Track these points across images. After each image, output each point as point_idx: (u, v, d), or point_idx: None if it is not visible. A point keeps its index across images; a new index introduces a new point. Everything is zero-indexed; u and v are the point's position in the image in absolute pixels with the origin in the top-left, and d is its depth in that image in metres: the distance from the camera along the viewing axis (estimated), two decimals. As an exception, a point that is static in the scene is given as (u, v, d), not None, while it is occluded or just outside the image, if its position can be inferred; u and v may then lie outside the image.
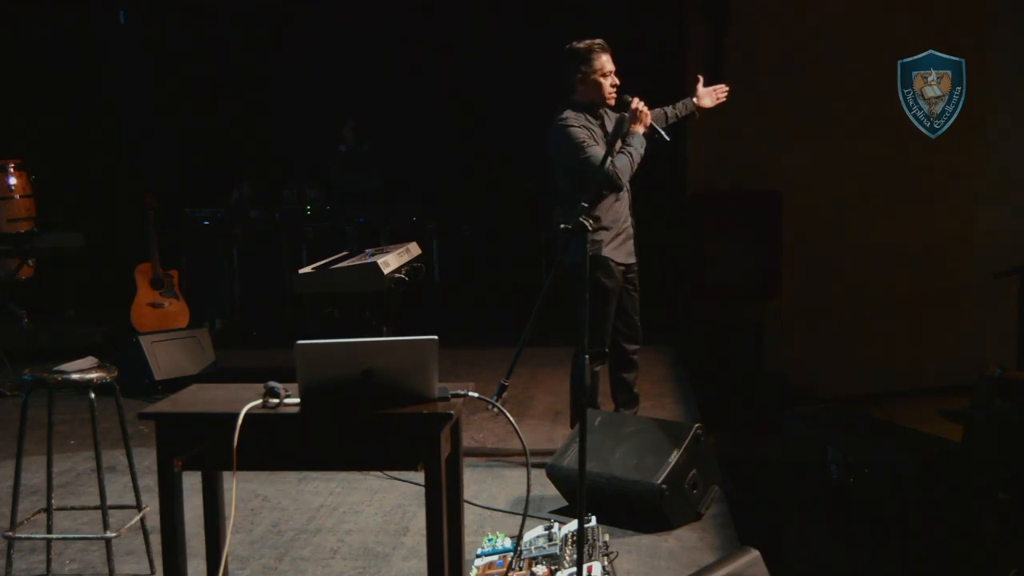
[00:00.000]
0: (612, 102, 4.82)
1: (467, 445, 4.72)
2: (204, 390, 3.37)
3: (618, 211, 4.87)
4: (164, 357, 6.60)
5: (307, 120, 9.44)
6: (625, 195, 4.91)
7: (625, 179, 4.75)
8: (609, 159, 4.59)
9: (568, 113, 4.78)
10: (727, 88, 5.20)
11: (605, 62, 4.79)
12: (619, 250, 4.87)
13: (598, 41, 4.82)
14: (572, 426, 5.01)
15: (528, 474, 3.11)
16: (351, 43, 9.39)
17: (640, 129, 4.76)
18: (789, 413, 5.26)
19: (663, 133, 4.83)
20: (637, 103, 4.74)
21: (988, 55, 7.97)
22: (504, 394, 3.89)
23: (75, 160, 9.04)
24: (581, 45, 4.81)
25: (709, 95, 5.16)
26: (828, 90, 8.08)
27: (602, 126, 4.85)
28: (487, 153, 9.44)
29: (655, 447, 4.23)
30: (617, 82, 4.83)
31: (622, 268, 4.90)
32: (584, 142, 4.69)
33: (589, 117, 4.81)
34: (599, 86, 4.79)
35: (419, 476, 2.96)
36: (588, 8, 8.17)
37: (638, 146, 4.76)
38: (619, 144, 4.72)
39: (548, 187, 5.20)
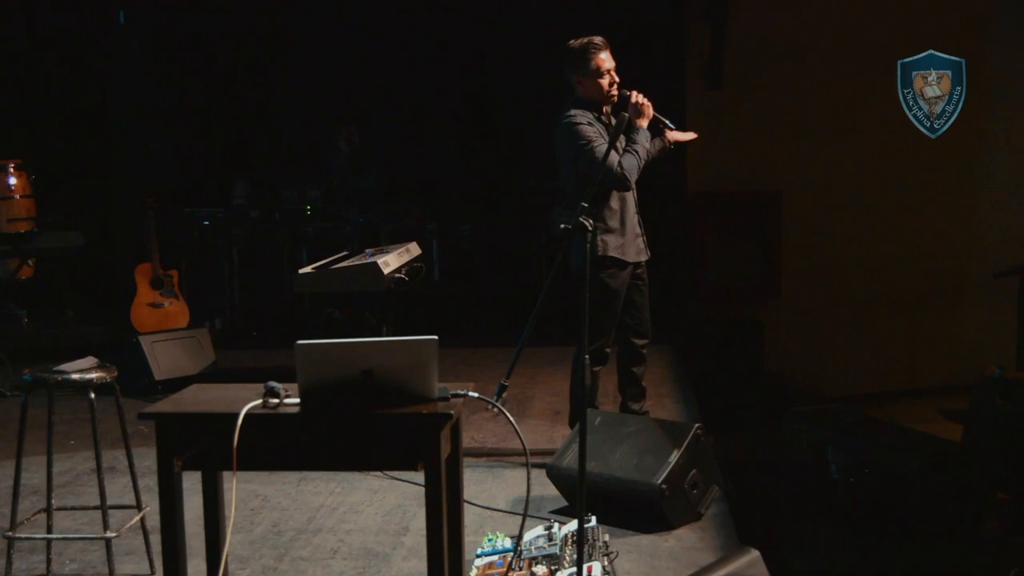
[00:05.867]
0: (614, 100, 4.78)
1: (467, 445, 4.72)
2: (204, 390, 3.37)
3: (624, 211, 4.84)
4: (164, 357, 6.61)
5: (307, 120, 9.44)
6: (631, 194, 4.89)
7: (634, 178, 4.72)
8: (616, 157, 4.58)
9: (574, 111, 4.75)
10: (695, 135, 5.17)
11: (603, 59, 4.74)
12: (628, 249, 4.85)
13: (596, 38, 4.76)
14: (571, 426, 5.00)
15: (528, 474, 3.11)
16: (352, 42, 9.38)
17: (643, 123, 4.74)
18: (789, 413, 5.26)
19: (667, 122, 4.81)
20: (637, 96, 4.71)
21: (988, 55, 7.96)
22: (504, 394, 3.90)
23: (75, 160, 9.04)
24: (576, 44, 4.76)
25: (681, 135, 5.06)
26: (828, 90, 8.08)
27: (607, 124, 4.84)
28: (487, 153, 9.44)
29: (655, 447, 4.23)
30: (617, 79, 4.78)
31: (630, 266, 4.89)
32: (591, 140, 4.66)
33: (595, 115, 4.78)
34: (598, 85, 4.75)
35: (419, 476, 2.96)
36: (588, 8, 8.17)
37: (643, 141, 4.74)
38: (624, 142, 4.71)
39: (548, 187, 5.20)
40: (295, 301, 8.41)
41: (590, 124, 4.72)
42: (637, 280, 4.97)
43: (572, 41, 4.79)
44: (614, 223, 4.80)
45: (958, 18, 7.94)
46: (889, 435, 4.85)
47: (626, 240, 4.84)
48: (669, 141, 5.05)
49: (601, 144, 4.65)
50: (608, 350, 4.96)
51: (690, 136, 5.12)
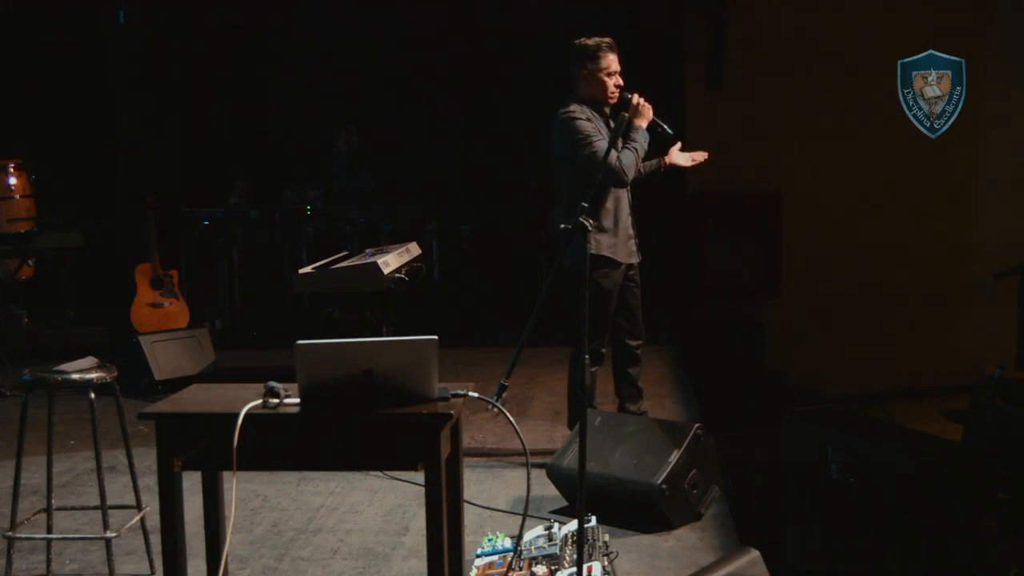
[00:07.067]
0: (614, 101, 4.81)
1: (467, 445, 4.73)
2: (204, 390, 3.37)
3: (618, 212, 4.85)
4: (164, 357, 6.61)
5: (307, 120, 9.44)
6: (624, 196, 4.90)
7: (631, 174, 4.74)
8: (615, 154, 4.59)
9: (574, 106, 4.77)
10: (706, 154, 5.14)
11: (612, 61, 4.79)
12: (620, 250, 4.86)
13: (606, 39, 4.81)
14: (570, 427, 5.01)
15: (528, 474, 3.11)
16: (352, 42, 9.39)
17: (642, 124, 4.76)
18: (789, 413, 5.26)
19: (665, 127, 4.82)
20: (638, 98, 4.73)
21: (988, 55, 7.96)
22: (504, 394, 3.90)
23: (75, 160, 9.04)
24: (590, 42, 4.80)
25: (684, 157, 5.10)
26: (828, 90, 8.08)
27: (606, 123, 4.84)
28: (487, 153, 9.44)
29: (655, 447, 4.23)
30: (621, 82, 4.81)
31: (623, 267, 4.90)
32: (590, 135, 4.68)
33: (594, 112, 4.80)
34: (603, 85, 4.78)
35: (419, 476, 2.96)
36: (588, 8, 8.17)
37: (642, 141, 4.76)
38: (622, 140, 4.72)
39: (549, 187, 5.20)
40: (295, 301, 8.41)
41: (589, 120, 4.73)
42: (630, 282, 4.97)
43: (584, 38, 4.83)
44: (608, 223, 4.81)
45: (958, 18, 7.95)
46: (889, 435, 4.85)
47: (618, 240, 4.85)
48: (664, 163, 5.08)
49: (600, 140, 4.68)
50: (604, 350, 4.97)
51: (697, 161, 5.11)
